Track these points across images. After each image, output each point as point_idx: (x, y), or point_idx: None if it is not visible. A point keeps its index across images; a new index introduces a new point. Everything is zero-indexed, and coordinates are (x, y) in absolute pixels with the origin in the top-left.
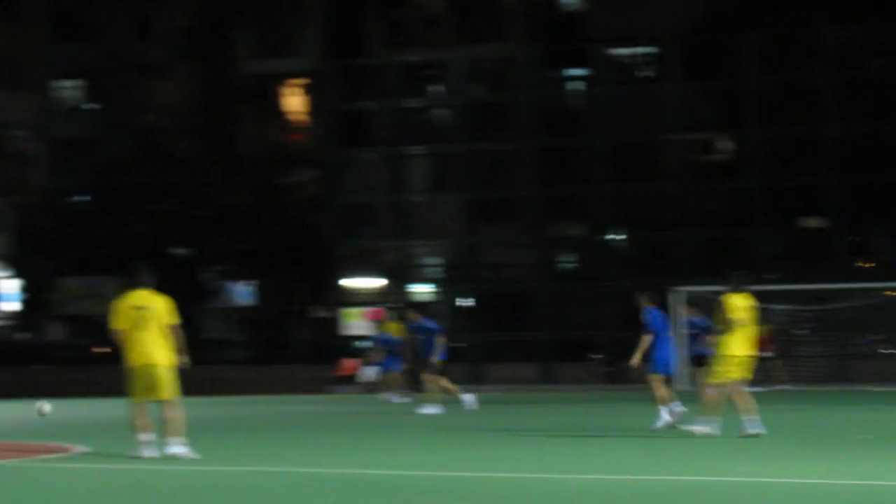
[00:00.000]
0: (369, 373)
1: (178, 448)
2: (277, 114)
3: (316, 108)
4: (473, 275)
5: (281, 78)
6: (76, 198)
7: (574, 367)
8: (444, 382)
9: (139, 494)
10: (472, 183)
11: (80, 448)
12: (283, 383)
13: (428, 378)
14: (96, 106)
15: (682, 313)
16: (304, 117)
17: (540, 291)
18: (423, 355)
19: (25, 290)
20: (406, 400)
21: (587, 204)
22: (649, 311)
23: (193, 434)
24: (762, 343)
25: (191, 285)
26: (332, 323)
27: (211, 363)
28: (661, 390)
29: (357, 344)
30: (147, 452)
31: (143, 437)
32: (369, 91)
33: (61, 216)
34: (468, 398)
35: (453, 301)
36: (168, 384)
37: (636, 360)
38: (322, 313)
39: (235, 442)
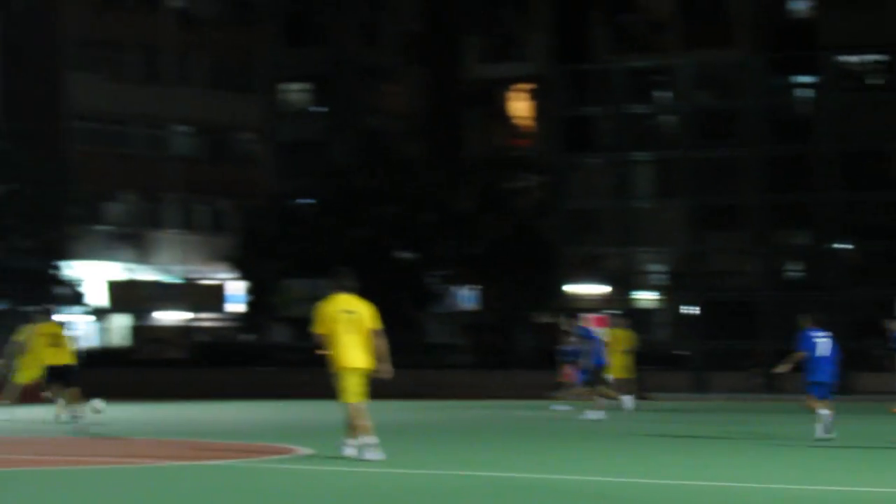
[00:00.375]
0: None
1: (353, 450)
2: (503, 118)
3: (541, 113)
4: (698, 282)
5: (507, 82)
6: (301, 201)
7: (799, 377)
8: (603, 388)
9: (363, 496)
10: (697, 190)
11: (304, 450)
12: (505, 388)
13: (589, 384)
14: (323, 109)
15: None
16: (529, 122)
17: (765, 300)
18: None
19: (250, 291)
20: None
21: (814, 212)
22: (805, 333)
23: (411, 437)
24: None
25: (415, 289)
26: (556, 329)
27: (434, 367)
28: (813, 404)
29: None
30: (371, 455)
31: (367, 440)
32: (595, 96)
33: (286, 219)
34: (626, 399)
35: (677, 308)
36: (363, 388)
37: (780, 369)
38: (545, 319)
39: (454, 446)
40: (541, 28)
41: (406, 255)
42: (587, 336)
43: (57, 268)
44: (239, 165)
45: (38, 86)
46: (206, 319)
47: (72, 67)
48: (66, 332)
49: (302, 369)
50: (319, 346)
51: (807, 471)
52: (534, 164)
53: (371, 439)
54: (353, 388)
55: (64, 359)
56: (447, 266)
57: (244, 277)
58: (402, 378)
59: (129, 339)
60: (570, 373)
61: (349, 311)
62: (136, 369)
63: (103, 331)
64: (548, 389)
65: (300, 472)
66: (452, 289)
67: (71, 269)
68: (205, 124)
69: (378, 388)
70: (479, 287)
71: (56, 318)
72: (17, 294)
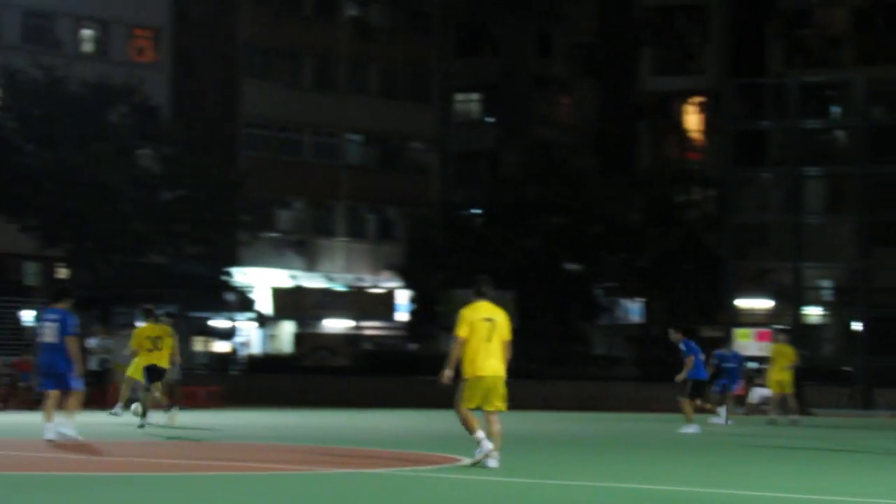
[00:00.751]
0: (759, 394)
1: (493, 461)
2: (675, 131)
3: (713, 127)
4: (866, 298)
5: (680, 95)
6: (470, 210)
7: None
8: (699, 402)
9: None
10: (867, 205)
11: (466, 460)
12: (669, 401)
13: (702, 398)
14: (494, 119)
15: None
16: (701, 135)
17: None
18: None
19: (415, 300)
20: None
21: None
22: None
23: (575, 448)
24: None
25: (583, 301)
26: (723, 343)
27: (599, 379)
28: None
29: (747, 365)
30: (492, 463)
31: (481, 440)
32: (768, 110)
33: (454, 228)
34: (720, 410)
35: (846, 324)
36: (502, 396)
37: None
38: (712, 333)
39: (614, 457)
40: (716, 41)
41: (573, 266)
42: (690, 350)
43: (226, 274)
44: (409, 174)
45: (213, 92)
46: (371, 328)
47: (247, 75)
48: (169, 335)
49: (465, 379)
50: (453, 350)
51: None
52: (704, 178)
53: (488, 444)
54: (476, 394)
55: (161, 361)
56: (614, 278)
57: (410, 286)
58: (566, 389)
59: (293, 346)
60: (739, 387)
61: (490, 319)
62: (300, 376)
63: (269, 337)
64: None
65: (461, 482)
66: (619, 301)
67: (243, 275)
68: (377, 133)
69: (543, 400)
70: (645, 300)
71: (162, 318)
72: (185, 299)
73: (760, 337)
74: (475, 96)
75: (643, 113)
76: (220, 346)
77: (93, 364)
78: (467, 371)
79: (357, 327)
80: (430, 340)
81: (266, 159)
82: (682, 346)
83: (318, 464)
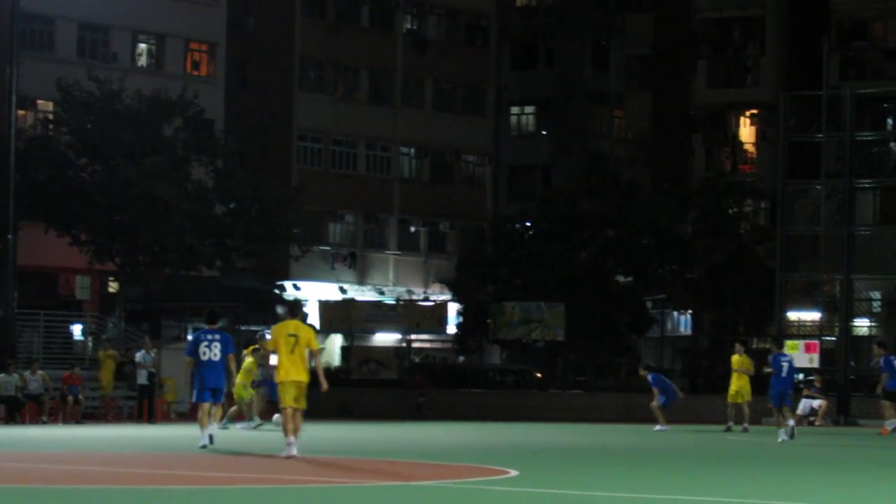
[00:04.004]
0: (806, 405)
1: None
2: (728, 144)
3: (766, 139)
4: None
5: (735, 108)
6: (522, 224)
7: None
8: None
9: None
10: None
11: (513, 472)
12: (718, 413)
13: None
14: (548, 133)
15: None
16: (754, 148)
17: None
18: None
19: (463, 314)
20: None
21: None
22: None
23: (624, 460)
24: None
25: (632, 313)
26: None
27: (647, 391)
28: None
29: (795, 377)
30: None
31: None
32: (822, 122)
33: (506, 242)
34: (790, 422)
35: (894, 336)
36: (303, 398)
37: None
38: (760, 345)
39: (649, 469)
40: (772, 54)
41: (624, 279)
42: (774, 365)
43: (279, 287)
44: (462, 188)
45: (268, 106)
46: (419, 340)
47: (301, 88)
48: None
49: (513, 391)
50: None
51: None
52: (756, 190)
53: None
54: (292, 396)
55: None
56: (664, 291)
57: (459, 299)
58: (614, 401)
59: (340, 359)
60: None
61: (293, 335)
62: (348, 389)
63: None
64: (763, 415)
65: (508, 495)
66: (669, 313)
67: (297, 289)
68: (430, 146)
69: (592, 410)
70: (694, 312)
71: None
72: (236, 313)
73: (808, 349)
74: (530, 109)
75: (697, 125)
76: (272, 360)
77: (141, 378)
78: (278, 377)
79: (406, 340)
80: (479, 354)
81: (319, 173)
82: (770, 360)
83: (364, 477)
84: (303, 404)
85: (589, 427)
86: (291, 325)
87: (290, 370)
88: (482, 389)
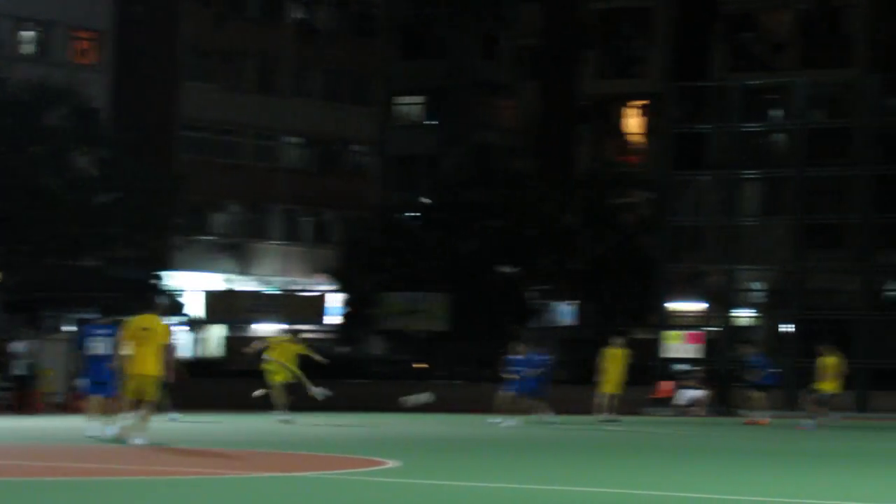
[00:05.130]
0: (686, 396)
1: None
2: (615, 134)
3: (653, 130)
4: (797, 301)
5: (622, 98)
6: (407, 214)
7: (892, 396)
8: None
9: None
10: (804, 208)
11: (393, 462)
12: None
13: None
14: (436, 123)
15: None
16: (641, 138)
17: (861, 320)
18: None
19: (348, 304)
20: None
21: None
22: None
23: (508, 451)
24: None
25: (516, 304)
26: (652, 345)
27: None
28: None
29: (675, 367)
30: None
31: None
32: (708, 114)
33: (390, 231)
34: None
35: (776, 327)
36: (152, 390)
37: None
38: (642, 335)
39: (545, 461)
40: (660, 45)
41: (508, 269)
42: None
43: (158, 278)
44: (348, 178)
45: (153, 94)
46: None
47: (187, 77)
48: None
49: (395, 382)
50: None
51: None
52: (642, 181)
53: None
54: (132, 388)
55: None
56: (548, 281)
57: (344, 289)
58: (495, 392)
59: (224, 350)
60: (666, 388)
61: (146, 329)
62: (230, 380)
63: (199, 341)
64: (642, 406)
65: (388, 485)
66: (552, 303)
67: (174, 279)
68: (316, 136)
69: (474, 402)
70: (577, 302)
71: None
72: (117, 304)
73: (690, 339)
74: (418, 99)
75: (584, 116)
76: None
77: (21, 369)
78: (129, 369)
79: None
80: (361, 344)
81: (202, 162)
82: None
83: (246, 468)
84: (150, 396)
85: (471, 418)
86: (146, 319)
87: (137, 363)
88: (362, 380)
